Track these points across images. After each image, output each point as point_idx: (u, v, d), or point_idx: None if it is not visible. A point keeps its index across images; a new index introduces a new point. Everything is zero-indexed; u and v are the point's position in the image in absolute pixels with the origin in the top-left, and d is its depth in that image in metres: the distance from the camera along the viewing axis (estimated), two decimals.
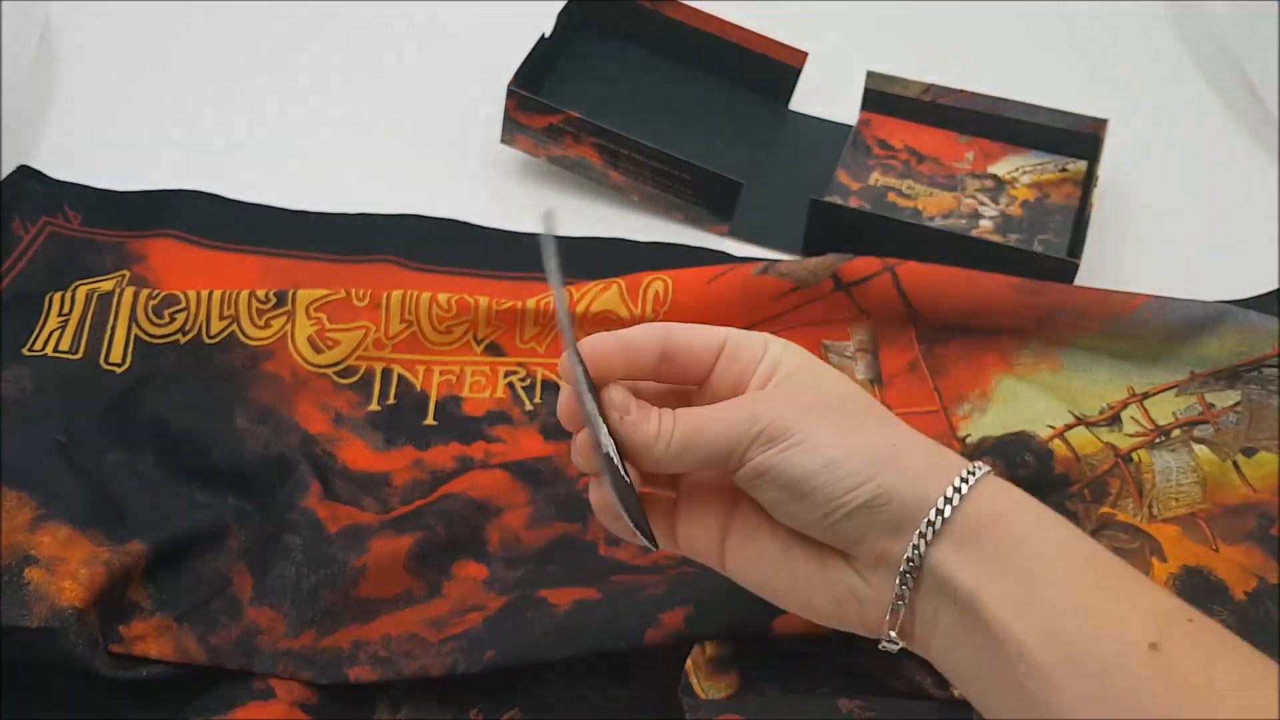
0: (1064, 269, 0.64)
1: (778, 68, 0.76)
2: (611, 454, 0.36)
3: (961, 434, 0.60)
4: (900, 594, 0.35)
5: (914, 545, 0.34)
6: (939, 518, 0.34)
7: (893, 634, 0.36)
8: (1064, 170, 0.73)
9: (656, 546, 0.38)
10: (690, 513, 0.40)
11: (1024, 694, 0.33)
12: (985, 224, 0.70)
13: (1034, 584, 0.33)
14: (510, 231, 0.70)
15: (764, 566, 0.38)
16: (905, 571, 0.35)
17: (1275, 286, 0.68)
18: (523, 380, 0.62)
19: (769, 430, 0.35)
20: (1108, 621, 0.32)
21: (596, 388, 0.38)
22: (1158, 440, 0.58)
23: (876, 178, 0.73)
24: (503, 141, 0.71)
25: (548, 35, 0.73)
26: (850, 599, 0.36)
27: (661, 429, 0.36)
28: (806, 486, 0.35)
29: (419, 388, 0.61)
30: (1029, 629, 0.33)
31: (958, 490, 0.34)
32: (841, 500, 0.35)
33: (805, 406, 0.36)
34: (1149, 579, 0.35)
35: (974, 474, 0.35)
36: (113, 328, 0.61)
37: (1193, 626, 0.33)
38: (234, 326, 0.61)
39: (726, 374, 0.38)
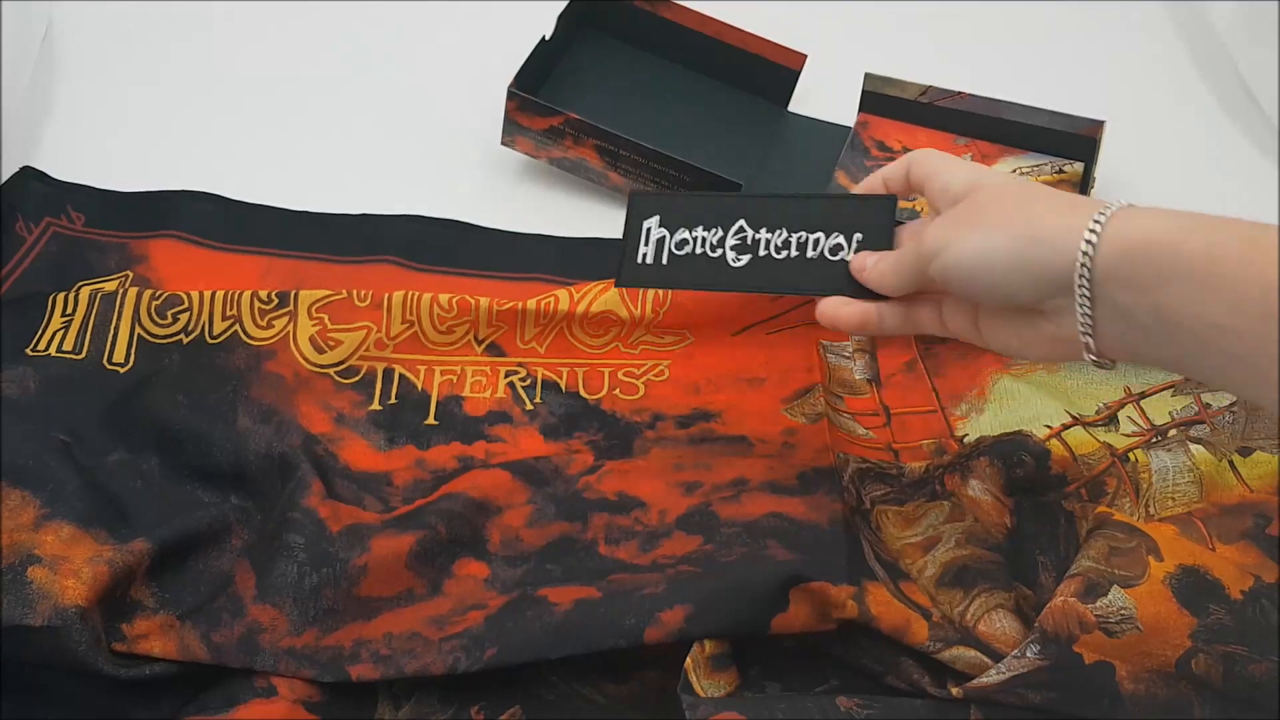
0: None
1: (776, 70, 0.77)
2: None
3: (959, 434, 0.60)
4: (1085, 330, 0.42)
5: (1078, 289, 0.41)
6: (1086, 259, 0.40)
7: (1093, 358, 0.43)
8: (1060, 172, 0.73)
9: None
10: (952, 308, 0.49)
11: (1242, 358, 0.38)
12: None
13: (1208, 265, 0.38)
14: (510, 232, 0.70)
15: (999, 334, 0.47)
16: (1082, 310, 0.41)
17: None
18: (523, 380, 0.62)
19: (932, 247, 0.45)
20: None
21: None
22: (1154, 440, 0.59)
23: None
24: (503, 143, 0.71)
25: (548, 37, 0.73)
26: (1059, 343, 0.44)
27: (882, 274, 0.48)
28: (973, 275, 0.44)
29: (420, 388, 0.61)
30: (1222, 308, 0.37)
31: (1094, 231, 0.40)
32: (1003, 277, 0.43)
33: (958, 219, 0.45)
34: None
35: (1104, 215, 0.40)
36: (116, 328, 0.62)
37: None
38: (236, 327, 0.61)
39: (939, 197, 0.48)
